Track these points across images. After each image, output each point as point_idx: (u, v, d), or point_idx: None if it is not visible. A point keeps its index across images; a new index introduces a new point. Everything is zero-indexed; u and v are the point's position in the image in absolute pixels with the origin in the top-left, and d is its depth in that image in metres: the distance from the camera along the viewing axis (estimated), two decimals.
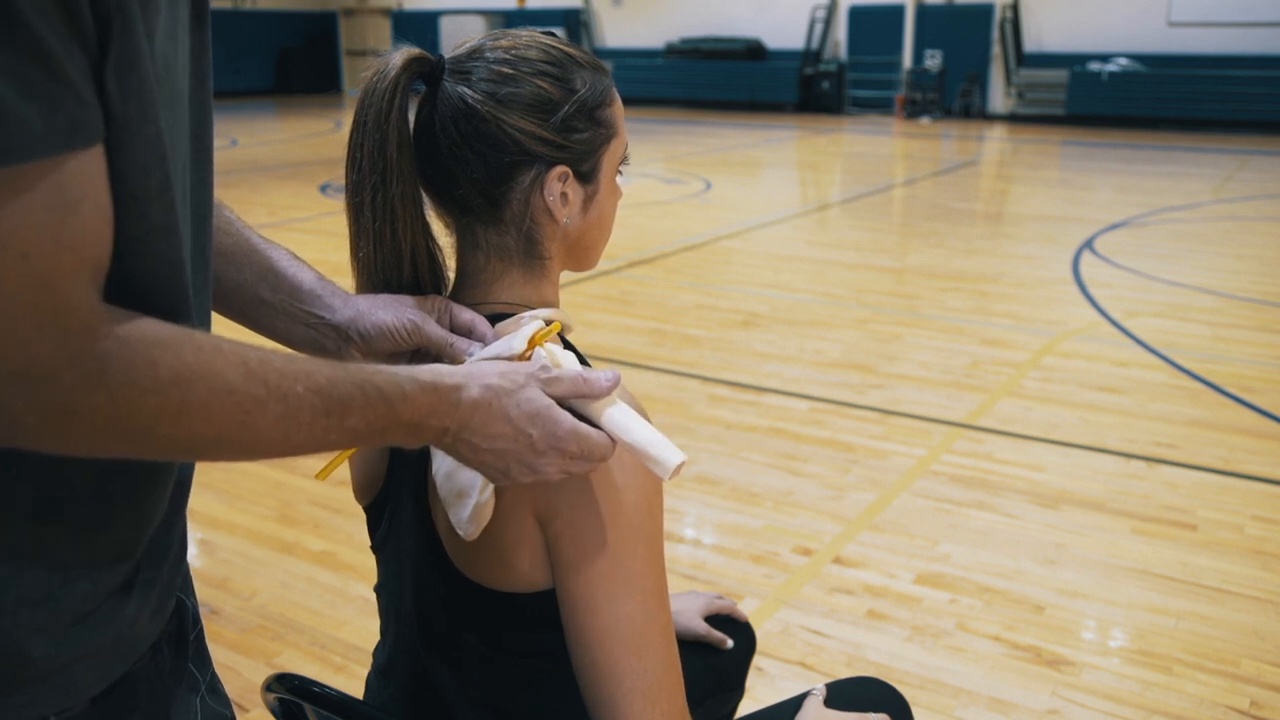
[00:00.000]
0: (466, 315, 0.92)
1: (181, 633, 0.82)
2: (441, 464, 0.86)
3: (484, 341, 0.90)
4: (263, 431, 0.65)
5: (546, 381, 0.80)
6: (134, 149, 0.61)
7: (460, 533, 0.86)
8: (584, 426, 0.79)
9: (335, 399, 0.69)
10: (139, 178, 0.62)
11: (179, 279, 0.68)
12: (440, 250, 0.97)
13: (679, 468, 0.80)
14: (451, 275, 0.99)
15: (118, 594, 0.71)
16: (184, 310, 0.68)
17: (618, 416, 0.82)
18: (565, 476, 0.81)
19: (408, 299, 0.93)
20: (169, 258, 0.66)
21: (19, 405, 0.56)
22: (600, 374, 0.82)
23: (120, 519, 0.71)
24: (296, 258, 0.96)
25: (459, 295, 0.97)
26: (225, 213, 0.95)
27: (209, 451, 0.65)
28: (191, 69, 0.70)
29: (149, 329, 0.60)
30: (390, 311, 0.91)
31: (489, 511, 0.85)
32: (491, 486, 0.84)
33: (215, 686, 0.88)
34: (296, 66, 21.07)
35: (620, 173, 1.00)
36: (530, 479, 0.80)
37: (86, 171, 0.57)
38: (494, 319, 0.93)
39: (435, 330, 0.90)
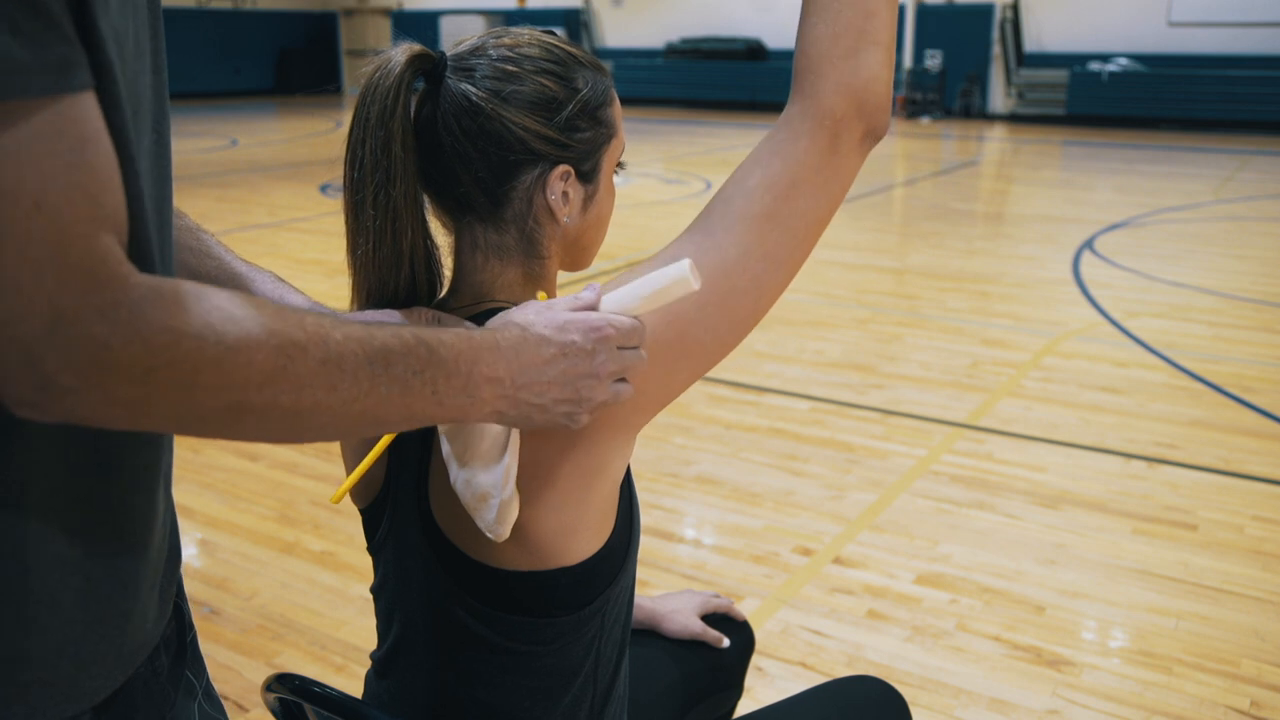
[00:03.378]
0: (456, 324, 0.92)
1: (179, 638, 0.82)
2: (459, 472, 0.86)
3: None
4: (307, 376, 0.62)
5: (549, 306, 0.81)
6: (120, 103, 0.59)
7: (490, 535, 0.86)
8: (609, 313, 0.80)
9: (375, 346, 0.67)
10: (128, 133, 0.60)
11: (149, 259, 0.66)
12: (437, 249, 0.97)
13: (692, 271, 0.79)
14: (448, 275, 0.99)
15: (122, 597, 0.71)
16: None
17: (614, 300, 0.82)
18: (628, 386, 0.81)
19: (394, 314, 0.92)
20: (146, 231, 0.65)
21: (53, 365, 0.54)
22: (585, 293, 0.82)
23: (125, 516, 0.70)
24: (281, 280, 0.95)
25: (456, 295, 0.97)
26: (205, 237, 0.94)
27: (258, 404, 0.61)
28: (151, 57, 0.68)
29: (179, 281, 0.58)
30: None
31: (515, 507, 0.86)
32: (513, 483, 0.85)
33: (210, 692, 0.88)
34: (296, 66, 21.07)
35: (618, 172, 1.00)
36: (604, 394, 0.79)
37: (86, 116, 0.55)
38: (490, 315, 0.93)
39: None
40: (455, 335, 0.72)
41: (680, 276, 0.79)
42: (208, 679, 0.88)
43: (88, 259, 0.54)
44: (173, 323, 0.56)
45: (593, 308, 0.81)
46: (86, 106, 0.55)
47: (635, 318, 0.81)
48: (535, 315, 0.79)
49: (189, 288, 0.58)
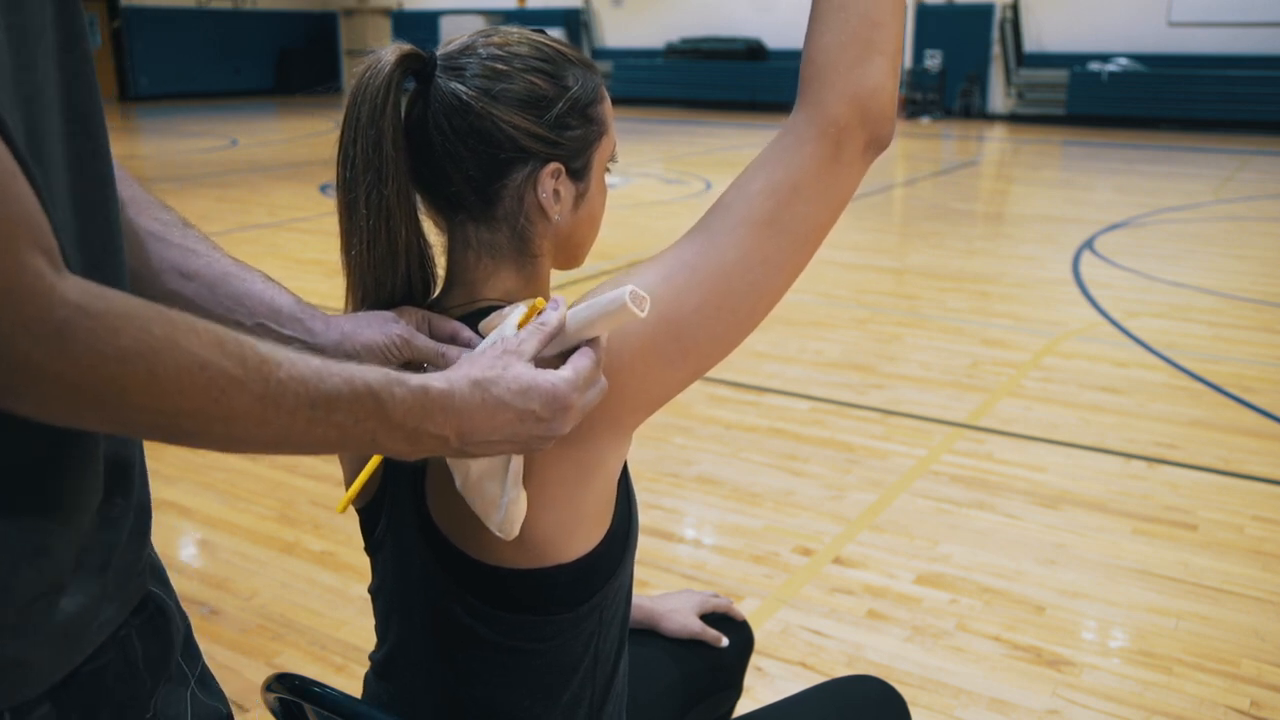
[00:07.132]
0: (449, 326, 0.92)
1: (160, 627, 0.81)
2: (465, 478, 0.86)
3: (470, 347, 0.90)
4: (240, 411, 0.62)
5: (519, 352, 0.79)
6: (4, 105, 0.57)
7: (500, 535, 0.86)
8: (569, 368, 0.79)
9: (322, 392, 0.66)
10: (28, 133, 0.58)
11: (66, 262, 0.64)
12: (430, 248, 0.97)
13: (634, 295, 0.78)
14: (441, 274, 0.99)
15: (63, 579, 0.69)
16: None
17: (575, 327, 0.81)
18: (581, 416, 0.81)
19: (387, 314, 0.91)
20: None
21: None
22: (548, 313, 0.82)
23: (55, 501, 0.68)
24: (272, 280, 0.94)
25: (449, 295, 0.97)
26: (191, 232, 0.93)
27: (189, 428, 0.62)
28: (55, 32, 0.66)
29: (115, 300, 0.57)
30: (375, 329, 0.89)
31: (523, 506, 0.86)
32: (520, 483, 0.85)
33: (206, 680, 0.87)
34: (296, 66, 21.07)
35: (609, 170, 1.00)
36: (550, 444, 0.79)
37: None
38: (484, 314, 0.93)
39: (425, 342, 0.89)
40: (412, 393, 0.71)
41: (620, 305, 0.78)
42: (203, 667, 0.87)
43: (5, 274, 0.53)
44: (100, 346, 0.56)
45: (559, 333, 0.80)
46: None
47: (591, 348, 0.80)
48: (501, 369, 0.77)
49: (122, 307, 0.57)
